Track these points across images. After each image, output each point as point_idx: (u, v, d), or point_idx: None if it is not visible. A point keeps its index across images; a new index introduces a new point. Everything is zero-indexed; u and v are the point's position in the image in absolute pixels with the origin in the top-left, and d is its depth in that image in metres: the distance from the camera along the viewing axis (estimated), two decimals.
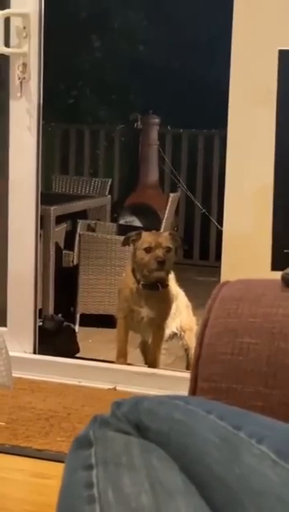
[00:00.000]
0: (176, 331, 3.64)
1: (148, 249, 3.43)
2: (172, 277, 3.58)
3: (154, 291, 3.47)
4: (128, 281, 3.54)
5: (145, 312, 3.51)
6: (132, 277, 3.52)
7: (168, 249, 3.44)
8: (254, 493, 0.94)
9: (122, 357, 3.52)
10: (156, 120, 6.83)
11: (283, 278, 1.34)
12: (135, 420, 1.08)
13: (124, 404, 1.11)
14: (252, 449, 0.98)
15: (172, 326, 3.62)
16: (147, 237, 3.47)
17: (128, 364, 3.52)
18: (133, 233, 3.55)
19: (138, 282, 3.49)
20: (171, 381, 3.07)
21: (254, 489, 0.95)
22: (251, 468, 0.97)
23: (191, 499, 0.97)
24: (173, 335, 3.66)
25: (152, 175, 6.83)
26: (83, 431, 1.10)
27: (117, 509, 0.96)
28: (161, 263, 3.41)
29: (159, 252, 3.41)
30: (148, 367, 3.53)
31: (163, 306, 3.53)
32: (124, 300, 3.56)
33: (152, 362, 3.55)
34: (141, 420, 1.08)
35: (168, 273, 3.50)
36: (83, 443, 1.08)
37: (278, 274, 1.37)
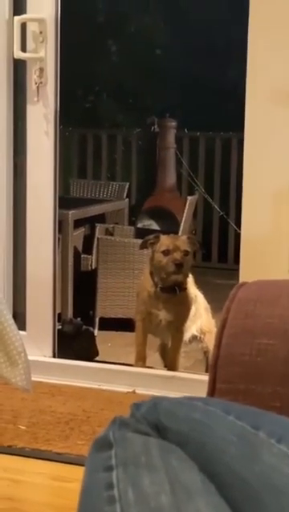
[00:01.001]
0: (196, 334, 3.64)
1: (166, 252, 3.44)
2: (190, 280, 3.58)
3: (172, 294, 3.48)
4: (146, 284, 3.54)
5: (163, 315, 3.51)
6: (150, 280, 3.52)
7: (186, 253, 3.45)
8: (275, 491, 0.95)
9: (141, 360, 3.52)
10: (173, 124, 6.83)
11: None
12: (154, 420, 1.09)
13: (143, 406, 1.12)
14: (272, 449, 0.98)
15: (192, 328, 3.62)
16: (165, 241, 3.47)
17: (148, 367, 3.52)
18: (151, 236, 3.55)
19: (156, 285, 3.49)
20: (190, 384, 3.07)
21: (275, 486, 0.95)
22: (271, 466, 0.97)
23: (211, 498, 0.98)
24: (193, 338, 3.66)
25: (170, 178, 6.83)
26: (102, 433, 1.11)
27: (137, 509, 0.96)
28: (179, 266, 3.41)
29: (177, 255, 3.42)
30: (168, 370, 3.53)
31: (181, 309, 3.53)
32: (142, 303, 3.57)
33: (171, 365, 3.55)
34: (160, 420, 1.08)
35: (186, 276, 3.50)
36: (102, 444, 1.09)
37: None
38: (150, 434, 1.08)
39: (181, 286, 3.49)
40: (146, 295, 3.54)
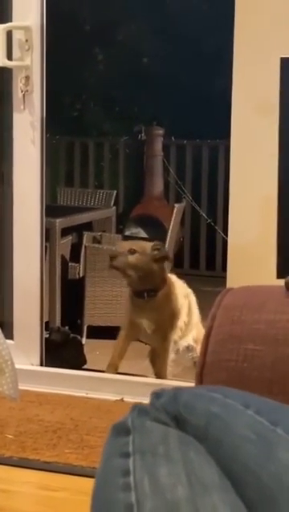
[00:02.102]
0: (193, 344, 3.64)
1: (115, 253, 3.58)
2: (175, 289, 3.58)
3: (144, 300, 3.49)
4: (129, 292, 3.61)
5: (146, 324, 3.52)
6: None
7: (132, 251, 3.48)
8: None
9: (111, 367, 3.52)
10: (160, 132, 6.84)
11: (287, 284, 1.34)
12: (173, 411, 1.08)
13: (164, 395, 1.11)
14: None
15: (188, 338, 3.62)
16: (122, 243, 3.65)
17: (136, 375, 3.51)
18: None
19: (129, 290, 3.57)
20: None
21: (288, 486, 0.95)
22: (287, 465, 0.96)
23: (226, 495, 0.97)
24: (186, 349, 3.66)
25: (157, 186, 6.83)
26: (121, 419, 1.10)
27: (153, 499, 0.96)
28: (111, 258, 3.50)
29: (117, 251, 3.55)
30: (156, 377, 3.53)
31: (161, 316, 3.53)
32: (126, 312, 3.62)
33: (158, 373, 3.55)
34: (180, 412, 1.08)
35: (151, 280, 3.50)
36: (120, 430, 1.08)
37: (282, 282, 1.37)
38: (169, 424, 1.07)
39: (152, 292, 3.49)
40: (128, 304, 3.58)
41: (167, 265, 3.72)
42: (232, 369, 1.26)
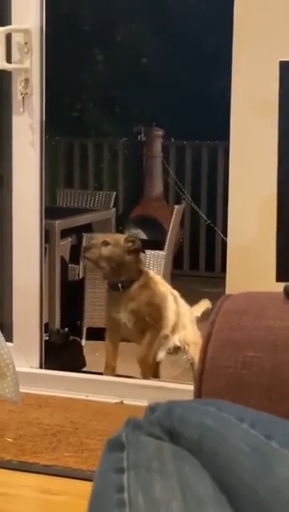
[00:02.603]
0: (179, 345, 3.63)
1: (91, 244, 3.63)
2: (156, 279, 3.60)
3: (119, 291, 3.50)
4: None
5: (125, 317, 3.51)
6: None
7: (105, 243, 3.52)
8: (286, 505, 0.94)
9: (108, 369, 3.51)
10: (160, 133, 6.83)
11: (285, 290, 1.34)
12: (168, 425, 1.08)
13: (158, 409, 1.11)
14: (284, 460, 0.98)
15: (174, 338, 3.61)
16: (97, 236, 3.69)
17: (135, 378, 3.50)
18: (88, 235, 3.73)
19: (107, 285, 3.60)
20: (178, 394, 3.05)
21: (285, 500, 0.94)
22: (283, 479, 0.96)
23: (221, 509, 0.97)
24: (177, 349, 3.65)
25: (157, 187, 6.83)
26: (116, 433, 1.10)
27: None
28: (85, 249, 3.60)
29: (89, 243, 3.63)
30: (138, 362, 3.51)
31: (138, 307, 3.51)
32: (106, 310, 3.63)
33: (141, 360, 3.52)
34: (174, 426, 1.07)
35: (125, 272, 3.51)
36: (115, 445, 1.08)
37: (282, 286, 1.37)
38: (163, 439, 1.07)
39: (127, 284, 3.49)
40: (106, 300, 3.63)
41: (142, 257, 3.75)
42: (231, 376, 1.26)
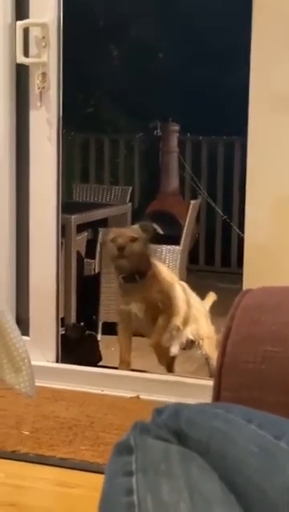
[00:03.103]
0: (192, 338, 3.63)
1: (113, 240, 3.53)
2: (165, 271, 3.59)
3: (135, 283, 3.49)
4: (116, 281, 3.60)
5: (135, 307, 3.51)
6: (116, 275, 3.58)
7: (133, 239, 3.49)
8: None
9: (122, 363, 3.51)
10: (176, 128, 6.82)
11: None
12: (175, 427, 1.08)
13: (165, 412, 1.12)
14: None
15: (187, 331, 3.61)
16: (113, 230, 3.61)
17: (151, 372, 3.51)
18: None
19: (118, 276, 3.55)
20: (194, 389, 3.06)
21: None
22: None
23: (230, 508, 0.97)
24: (191, 344, 3.65)
25: (173, 182, 6.83)
26: (124, 437, 1.11)
27: None
28: (121, 249, 3.47)
29: (120, 240, 3.49)
30: (152, 347, 3.49)
31: (150, 294, 3.51)
32: (117, 302, 3.61)
33: (155, 343, 3.52)
34: (181, 428, 1.08)
35: (140, 262, 3.50)
36: (123, 449, 1.09)
37: None
38: (171, 441, 1.07)
39: (143, 274, 3.48)
40: (117, 293, 3.59)
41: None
42: (250, 370, 1.26)
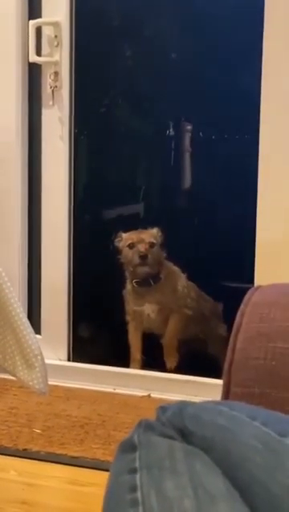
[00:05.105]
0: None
1: (131, 246, 3.45)
2: (176, 272, 3.56)
3: (149, 287, 3.47)
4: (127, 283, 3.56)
5: (149, 308, 3.50)
6: (129, 279, 3.53)
7: (152, 244, 3.44)
8: None
9: (134, 362, 3.51)
10: (189, 127, 6.82)
11: None
12: (179, 425, 1.09)
13: (169, 409, 1.12)
14: None
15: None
16: (130, 235, 3.48)
17: (163, 371, 3.51)
18: (118, 233, 3.54)
19: (131, 280, 3.50)
20: (206, 388, 3.06)
21: None
22: None
23: (234, 505, 0.97)
24: None
25: (186, 182, 6.82)
26: (128, 435, 1.11)
27: None
28: (144, 257, 3.41)
29: (141, 247, 3.42)
30: (164, 347, 3.50)
31: (164, 295, 3.50)
32: (127, 303, 3.56)
33: (168, 342, 3.50)
34: (185, 425, 1.08)
35: (158, 266, 3.47)
36: (127, 447, 1.09)
37: None
38: (175, 438, 1.08)
39: (157, 277, 3.48)
40: (129, 295, 3.54)
41: None
42: (260, 367, 1.26)
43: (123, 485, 1.02)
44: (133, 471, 1.03)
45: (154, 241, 3.44)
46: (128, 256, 3.44)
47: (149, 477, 1.01)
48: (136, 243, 3.43)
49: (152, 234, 3.48)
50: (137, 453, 1.06)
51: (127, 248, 3.45)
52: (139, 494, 0.99)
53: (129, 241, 3.45)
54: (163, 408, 1.13)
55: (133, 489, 1.00)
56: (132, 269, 3.45)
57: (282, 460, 0.98)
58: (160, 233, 3.51)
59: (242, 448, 1.02)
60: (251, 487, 0.98)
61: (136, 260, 3.42)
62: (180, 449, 1.05)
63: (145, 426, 1.11)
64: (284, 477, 0.97)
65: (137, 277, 3.48)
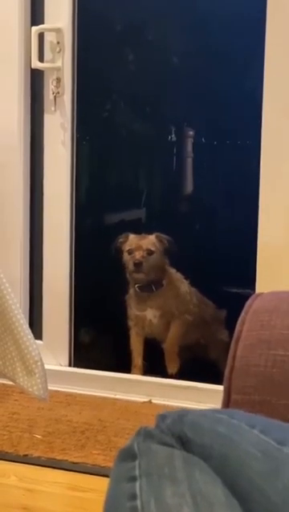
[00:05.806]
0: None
1: (129, 252, 3.46)
2: (177, 275, 3.56)
3: (151, 293, 3.47)
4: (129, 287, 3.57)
5: (151, 313, 3.50)
6: (131, 284, 3.54)
7: (150, 252, 3.44)
8: None
9: (136, 369, 3.51)
10: (191, 133, 6.82)
11: None
12: (179, 432, 1.09)
13: (169, 417, 1.13)
14: None
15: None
16: (131, 240, 3.49)
17: (164, 377, 3.51)
18: (122, 235, 3.54)
19: (133, 285, 3.51)
20: (207, 394, 3.06)
21: None
22: None
23: None
24: None
25: (188, 187, 6.82)
26: (127, 443, 1.11)
27: None
28: (138, 265, 3.41)
29: (137, 254, 3.42)
30: (165, 352, 3.49)
31: (166, 301, 3.50)
32: (129, 308, 3.57)
33: (169, 347, 3.50)
34: (185, 433, 1.08)
35: (157, 273, 3.47)
36: (127, 455, 1.09)
37: None
38: (174, 446, 1.08)
39: (159, 283, 3.47)
40: (131, 301, 3.55)
41: None
42: (261, 374, 1.26)
43: (122, 493, 1.02)
44: (133, 479, 1.04)
45: (152, 249, 3.44)
46: (126, 262, 3.47)
47: (149, 485, 1.01)
48: (134, 250, 3.44)
49: (150, 241, 3.48)
50: (137, 462, 1.06)
51: (126, 253, 3.47)
52: (138, 502, 0.99)
53: (128, 248, 3.46)
54: (163, 415, 1.14)
55: (133, 497, 1.01)
56: (130, 274, 3.48)
57: (281, 468, 0.98)
58: (164, 240, 3.50)
59: (241, 456, 1.02)
60: (250, 495, 0.98)
61: (131, 267, 3.44)
62: (179, 456, 1.05)
63: (145, 434, 1.11)
64: (283, 486, 0.97)
65: (137, 283, 3.48)
